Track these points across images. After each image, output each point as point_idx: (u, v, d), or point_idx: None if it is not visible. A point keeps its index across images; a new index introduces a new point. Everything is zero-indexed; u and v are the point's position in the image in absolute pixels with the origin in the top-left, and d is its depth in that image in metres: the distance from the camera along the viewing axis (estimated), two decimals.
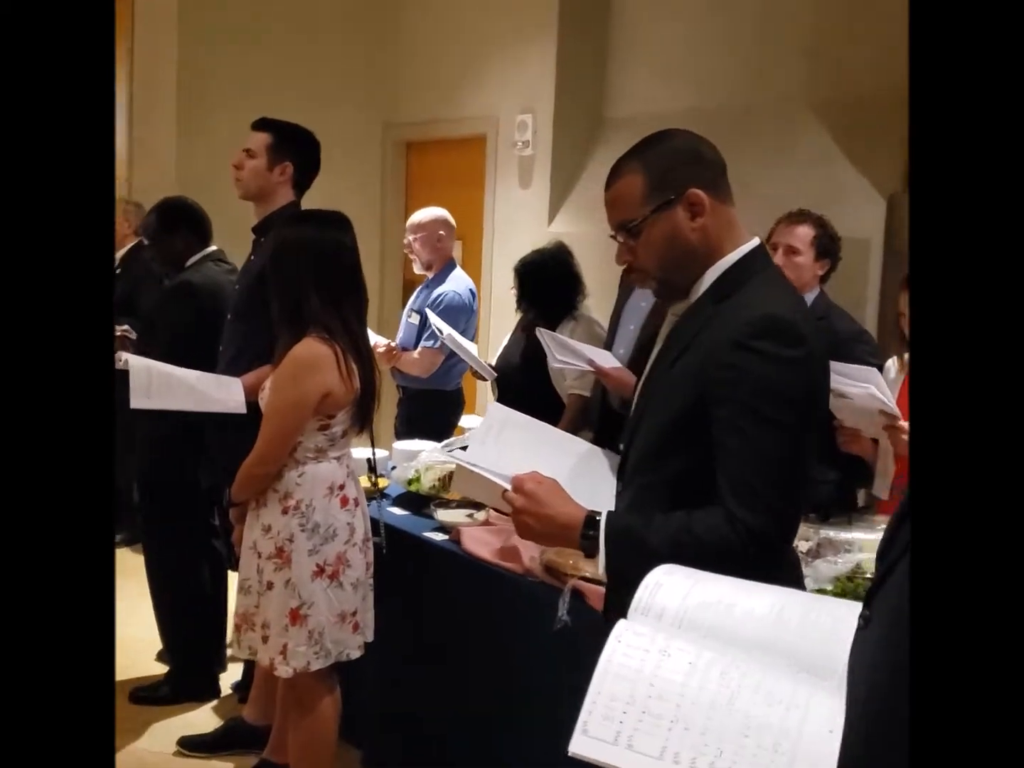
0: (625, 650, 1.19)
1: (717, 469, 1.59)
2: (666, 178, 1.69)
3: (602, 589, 2.64)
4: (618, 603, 1.75)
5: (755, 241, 1.74)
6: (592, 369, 3.41)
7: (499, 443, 1.84)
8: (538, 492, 1.68)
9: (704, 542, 1.55)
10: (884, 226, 3.99)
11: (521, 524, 1.71)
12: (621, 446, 1.84)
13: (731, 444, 1.57)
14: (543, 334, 3.56)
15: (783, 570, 1.70)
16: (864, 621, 1.18)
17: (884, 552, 1.21)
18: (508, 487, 1.73)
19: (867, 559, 2.45)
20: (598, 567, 1.64)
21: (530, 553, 2.88)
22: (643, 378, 1.81)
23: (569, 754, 1.13)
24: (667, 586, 1.28)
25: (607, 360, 3.45)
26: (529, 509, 1.68)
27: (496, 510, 3.02)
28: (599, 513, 1.65)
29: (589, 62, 5.46)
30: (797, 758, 1.11)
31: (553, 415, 3.79)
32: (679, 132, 1.78)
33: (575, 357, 3.41)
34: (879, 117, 4.05)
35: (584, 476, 1.77)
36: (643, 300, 3.65)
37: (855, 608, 1.26)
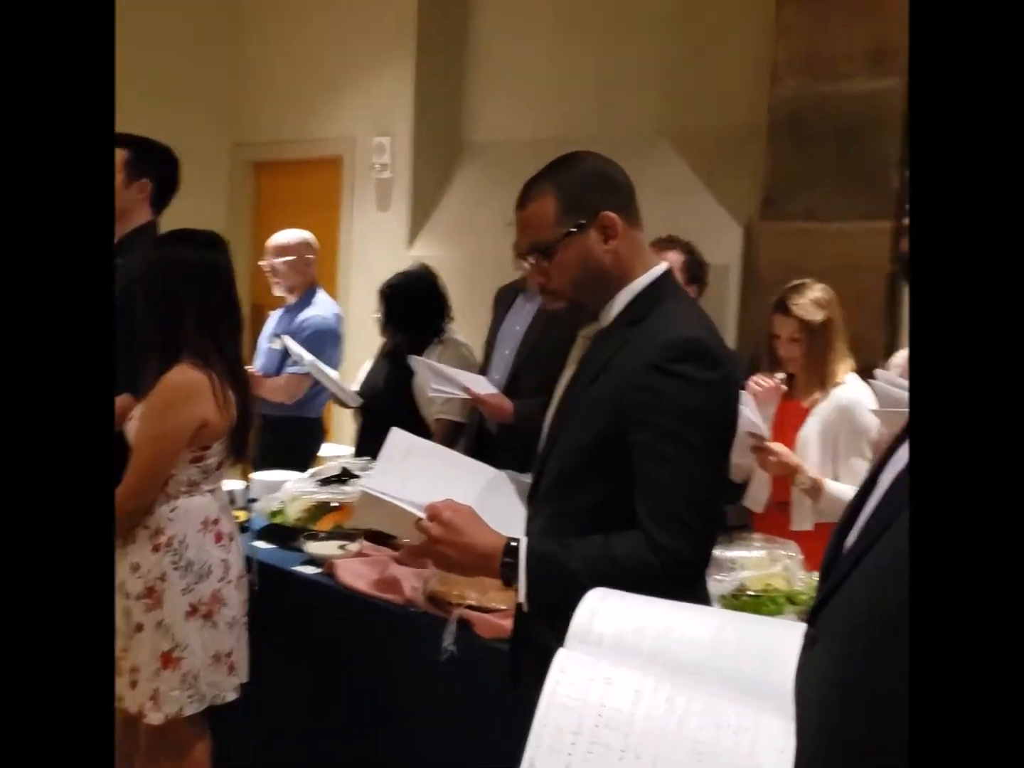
0: (569, 679, 1.17)
1: (636, 493, 1.58)
2: (579, 201, 1.68)
3: (490, 617, 2.61)
4: (534, 630, 1.72)
5: (664, 265, 1.76)
6: (468, 396, 3.38)
7: (403, 471, 1.78)
8: (456, 520, 1.64)
9: (625, 566, 1.54)
10: (742, 252, 4.12)
11: (438, 554, 1.66)
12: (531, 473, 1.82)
13: (651, 468, 1.57)
14: (417, 363, 3.51)
15: (699, 593, 1.71)
16: (810, 640, 1.18)
17: (827, 570, 1.22)
18: (422, 515, 1.67)
19: (749, 576, 2.49)
20: (518, 595, 1.60)
21: (411, 583, 2.81)
22: (556, 403, 1.79)
23: None
24: (602, 612, 1.27)
25: (482, 386, 3.43)
26: (447, 539, 1.63)
27: (394, 541, 2.96)
28: (517, 540, 1.62)
29: (447, 85, 5.46)
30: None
31: None
32: (590, 154, 1.79)
33: (450, 385, 3.37)
34: (733, 146, 4.19)
35: (492, 502, 1.73)
36: (517, 324, 3.64)
37: (791, 627, 1.27)
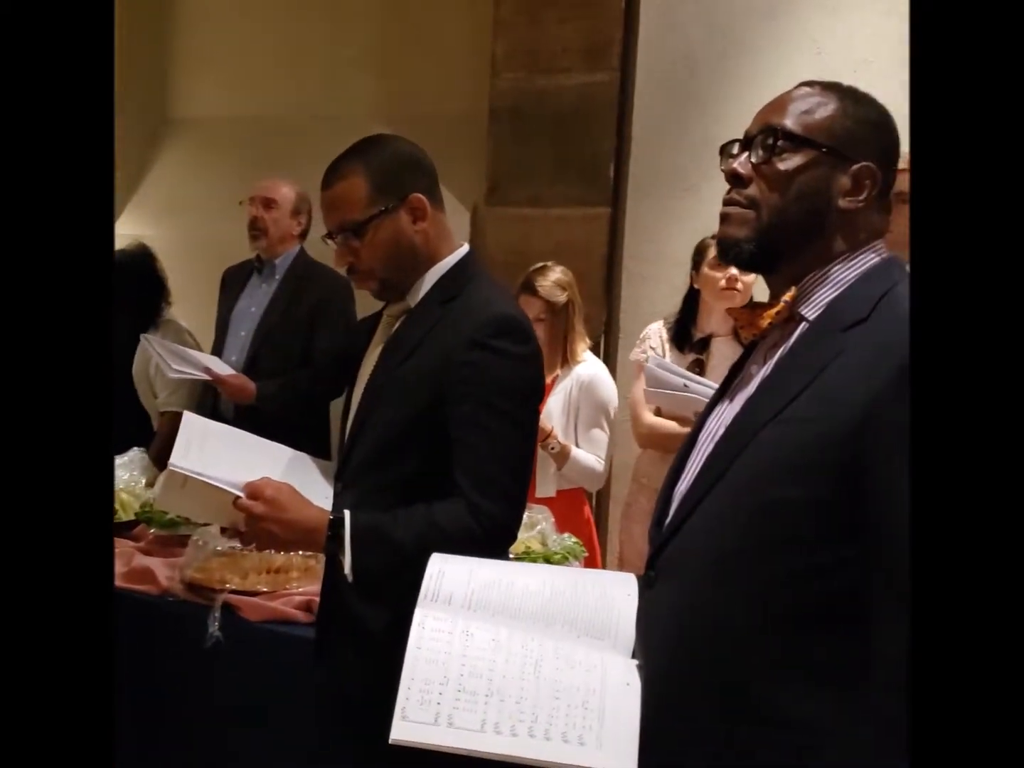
0: (431, 635, 1.24)
1: (456, 463, 1.65)
2: (390, 182, 1.72)
3: (256, 600, 2.58)
4: (343, 604, 1.75)
5: (466, 246, 1.83)
6: (209, 377, 3.29)
7: (203, 453, 1.74)
8: (279, 497, 1.63)
9: (449, 533, 1.60)
10: (469, 236, 4.26)
11: (263, 532, 1.64)
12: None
13: (472, 439, 1.64)
14: (151, 343, 3.36)
15: (506, 556, 1.81)
16: (649, 581, 1.32)
17: (660, 518, 1.35)
18: (239, 494, 1.65)
19: (525, 537, 2.61)
20: (344, 567, 1.62)
21: (165, 572, 2.72)
22: (367, 381, 1.81)
23: (391, 742, 1.14)
24: (449, 572, 1.34)
25: (222, 367, 3.35)
26: (271, 515, 1.63)
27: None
28: (341, 514, 1.64)
29: (150, 61, 5.21)
30: (606, 711, 1.22)
31: (144, 436, 3.60)
32: (398, 138, 1.83)
33: (190, 366, 3.26)
34: (458, 134, 4.31)
35: (297, 481, 1.74)
36: (253, 306, 3.59)
37: (616, 576, 1.40)
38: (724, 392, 1.42)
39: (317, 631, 1.91)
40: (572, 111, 4.01)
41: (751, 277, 2.97)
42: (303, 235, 3.66)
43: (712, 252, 2.99)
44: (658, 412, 3.10)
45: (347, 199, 1.73)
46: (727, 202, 1.33)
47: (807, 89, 1.31)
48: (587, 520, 3.35)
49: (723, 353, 3.05)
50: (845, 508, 1.15)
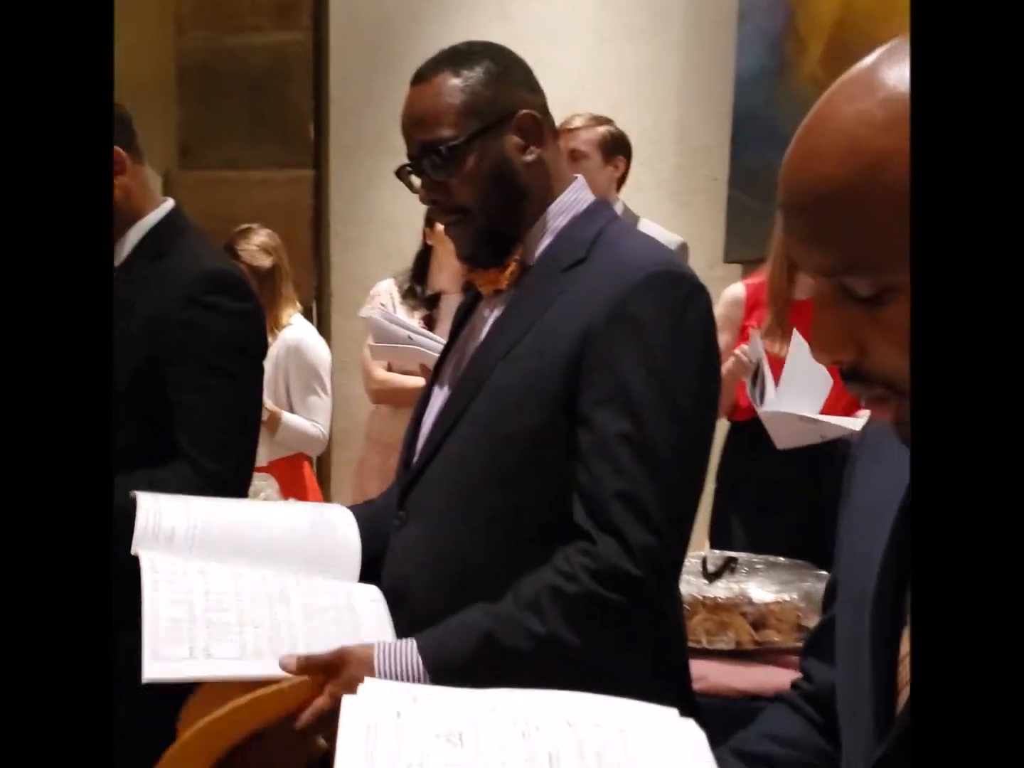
0: (166, 577, 1.22)
1: (177, 427, 1.59)
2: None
3: None
4: None
5: (171, 202, 1.76)
6: None
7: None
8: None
9: (177, 492, 1.55)
10: None
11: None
12: None
13: (192, 400, 1.59)
14: None
15: None
16: (400, 521, 1.35)
17: (407, 463, 1.40)
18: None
19: None
20: None
21: None
22: None
23: (144, 681, 1.10)
24: (166, 509, 1.32)
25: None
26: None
27: None
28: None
29: None
30: (360, 625, 1.25)
31: None
32: None
33: None
34: (144, 97, 4.11)
35: None
36: None
37: (346, 512, 1.43)
38: (456, 337, 1.46)
39: None
40: (266, 71, 3.92)
41: None
42: None
43: None
44: (390, 368, 3.12)
45: None
46: (440, 220, 1.37)
47: (423, 85, 1.34)
48: (310, 484, 3.34)
49: (452, 309, 3.09)
50: (570, 433, 1.24)
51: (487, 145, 1.32)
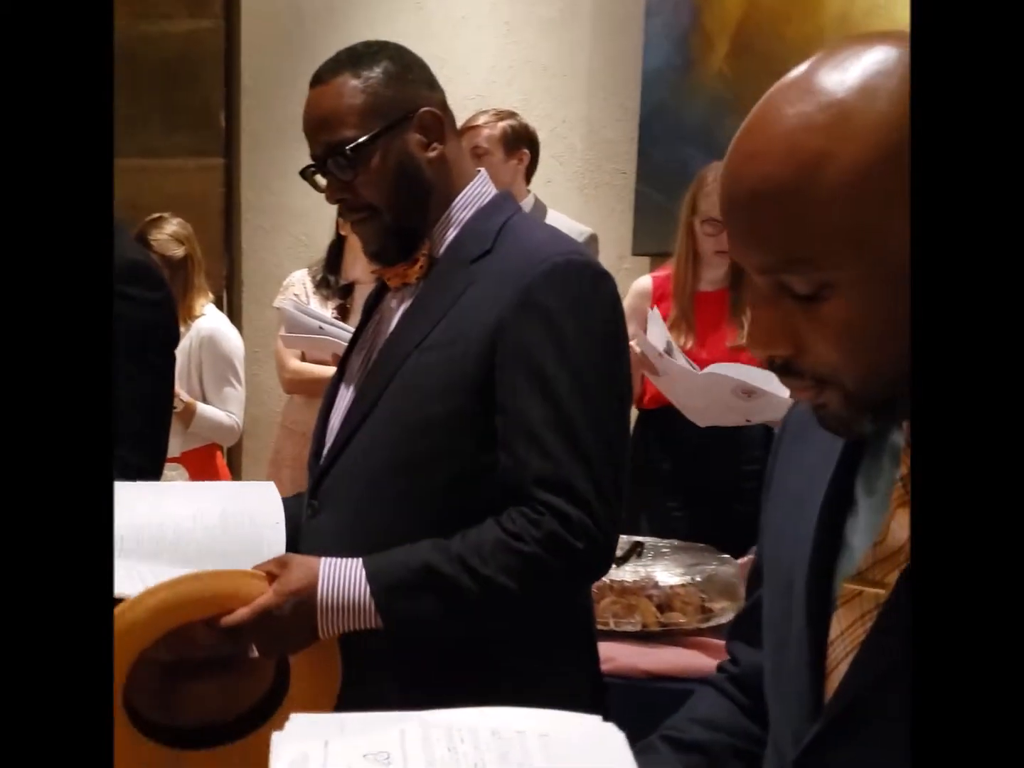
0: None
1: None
2: None
3: None
4: None
5: None
6: None
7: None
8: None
9: None
10: None
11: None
12: None
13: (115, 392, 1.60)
14: None
15: None
16: (312, 511, 1.37)
17: (318, 454, 1.43)
18: None
19: None
20: None
21: None
22: None
23: None
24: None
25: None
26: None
27: None
28: None
29: None
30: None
31: None
32: None
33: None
34: None
35: None
36: None
37: (268, 494, 1.42)
38: (364, 329, 1.49)
39: None
40: (179, 58, 3.88)
41: None
42: None
43: None
44: (303, 357, 3.12)
45: None
46: (347, 217, 1.41)
47: (323, 87, 1.36)
48: (222, 474, 3.33)
49: (366, 299, 3.12)
50: (482, 420, 1.28)
51: (390, 144, 1.34)
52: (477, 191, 1.41)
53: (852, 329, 0.72)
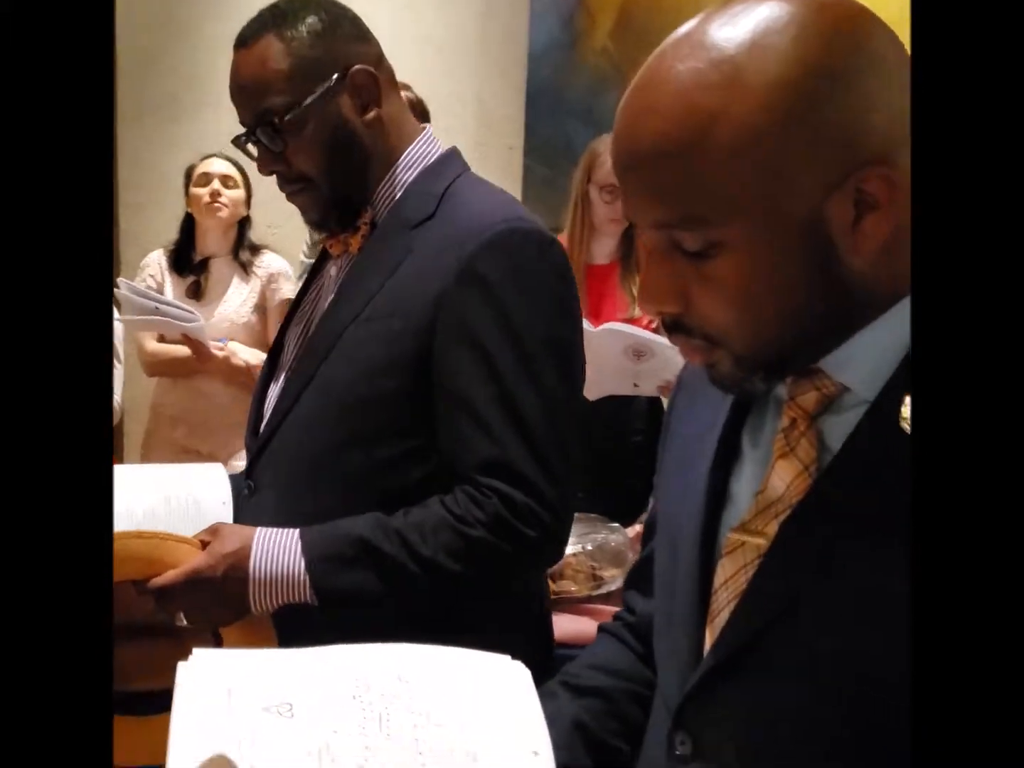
0: None
1: None
2: None
3: None
4: None
5: None
6: None
7: None
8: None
9: None
10: None
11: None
12: None
13: None
14: None
15: None
16: (248, 491, 1.31)
17: (255, 428, 1.36)
18: None
19: None
20: None
21: None
22: None
23: None
24: None
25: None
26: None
27: None
28: None
29: None
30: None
31: None
32: None
33: None
34: None
35: None
36: None
37: (214, 474, 1.36)
38: (305, 297, 1.41)
39: None
40: None
41: (237, 193, 3.02)
42: None
43: (198, 170, 3.00)
44: (162, 339, 3.03)
45: None
46: (283, 189, 1.32)
47: (246, 51, 1.27)
48: None
49: (221, 272, 3.08)
50: (424, 398, 1.22)
51: (321, 110, 1.25)
52: (421, 150, 1.32)
53: (739, 287, 0.72)
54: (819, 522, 0.74)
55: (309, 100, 1.24)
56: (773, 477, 0.78)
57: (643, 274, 0.76)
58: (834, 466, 0.75)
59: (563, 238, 2.88)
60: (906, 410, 0.72)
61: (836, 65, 0.70)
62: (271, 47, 1.24)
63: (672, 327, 0.76)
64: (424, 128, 1.35)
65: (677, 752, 0.81)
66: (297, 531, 1.19)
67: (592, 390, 2.60)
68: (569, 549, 2.11)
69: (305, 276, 1.49)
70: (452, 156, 1.35)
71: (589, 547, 2.11)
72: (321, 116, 1.25)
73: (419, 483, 1.23)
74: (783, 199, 0.70)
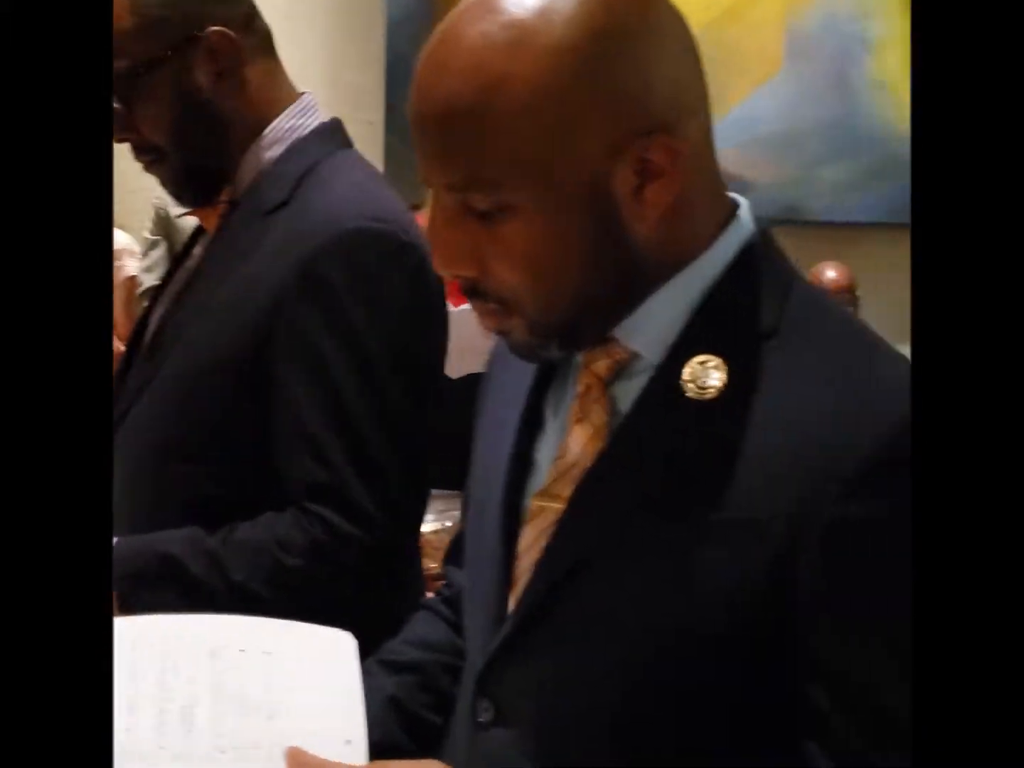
0: None
1: None
2: None
3: None
4: None
5: None
6: None
7: None
8: None
9: None
10: None
11: None
12: None
13: None
14: None
15: None
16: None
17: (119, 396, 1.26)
18: None
19: None
20: None
21: None
22: None
23: None
24: None
25: None
26: None
27: None
28: None
29: None
30: None
31: None
32: None
33: None
34: None
35: None
36: None
37: None
38: (169, 281, 1.33)
39: None
40: None
41: None
42: None
43: None
44: None
45: None
46: (137, 159, 1.22)
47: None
48: None
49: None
50: (256, 410, 1.14)
51: (169, 74, 1.14)
52: (290, 123, 1.19)
53: (528, 251, 0.73)
54: (610, 483, 0.76)
55: (153, 62, 1.13)
56: (569, 442, 0.80)
57: (437, 237, 0.76)
58: (622, 429, 0.77)
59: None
60: (687, 371, 0.74)
61: (618, 30, 0.71)
62: (117, 4, 1.10)
63: (469, 291, 0.76)
64: (302, 95, 1.23)
65: (480, 720, 0.81)
66: (114, 542, 1.12)
67: (453, 369, 2.61)
68: (428, 527, 2.11)
69: (153, 252, 1.43)
70: (326, 131, 1.23)
71: (448, 524, 2.11)
72: (169, 81, 1.14)
73: (251, 501, 1.14)
74: (567, 163, 0.71)
